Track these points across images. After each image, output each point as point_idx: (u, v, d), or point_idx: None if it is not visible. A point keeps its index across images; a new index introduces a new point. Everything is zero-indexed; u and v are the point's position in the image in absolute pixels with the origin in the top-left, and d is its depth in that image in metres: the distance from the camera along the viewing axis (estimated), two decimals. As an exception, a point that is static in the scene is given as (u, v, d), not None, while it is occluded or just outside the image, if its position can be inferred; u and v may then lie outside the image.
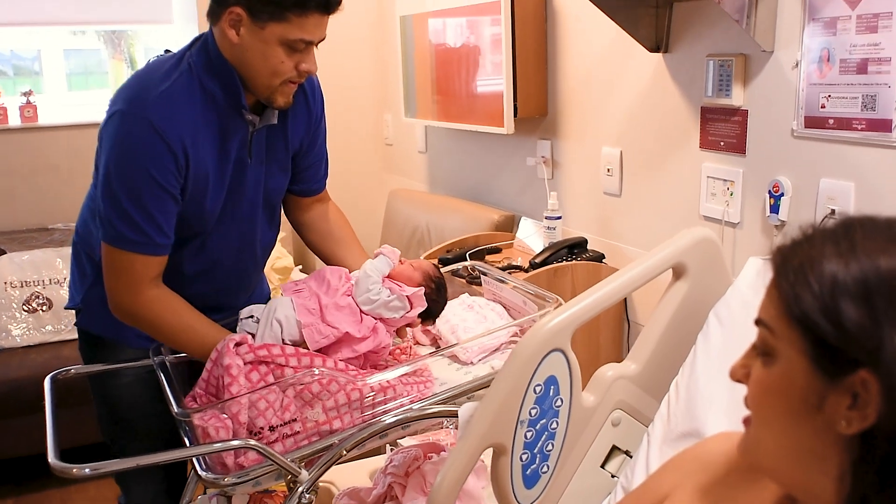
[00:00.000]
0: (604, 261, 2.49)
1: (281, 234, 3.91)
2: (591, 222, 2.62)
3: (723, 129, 2.08)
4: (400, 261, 1.73)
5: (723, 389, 1.20)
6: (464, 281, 2.44)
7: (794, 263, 0.79)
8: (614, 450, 1.32)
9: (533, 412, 1.20)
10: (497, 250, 2.77)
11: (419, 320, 1.70)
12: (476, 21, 2.84)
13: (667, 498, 0.97)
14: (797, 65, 1.85)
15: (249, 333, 1.59)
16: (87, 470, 1.36)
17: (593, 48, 2.50)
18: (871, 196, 1.73)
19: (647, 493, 1.02)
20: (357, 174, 4.02)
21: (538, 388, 1.19)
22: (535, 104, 2.74)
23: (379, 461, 2.05)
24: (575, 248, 2.52)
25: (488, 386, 1.62)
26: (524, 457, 1.21)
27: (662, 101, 2.26)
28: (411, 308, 1.65)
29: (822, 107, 1.80)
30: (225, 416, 1.49)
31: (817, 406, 0.76)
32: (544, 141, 2.79)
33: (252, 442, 1.44)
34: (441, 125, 3.23)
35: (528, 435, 1.20)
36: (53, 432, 1.46)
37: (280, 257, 3.60)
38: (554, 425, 1.23)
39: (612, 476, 1.31)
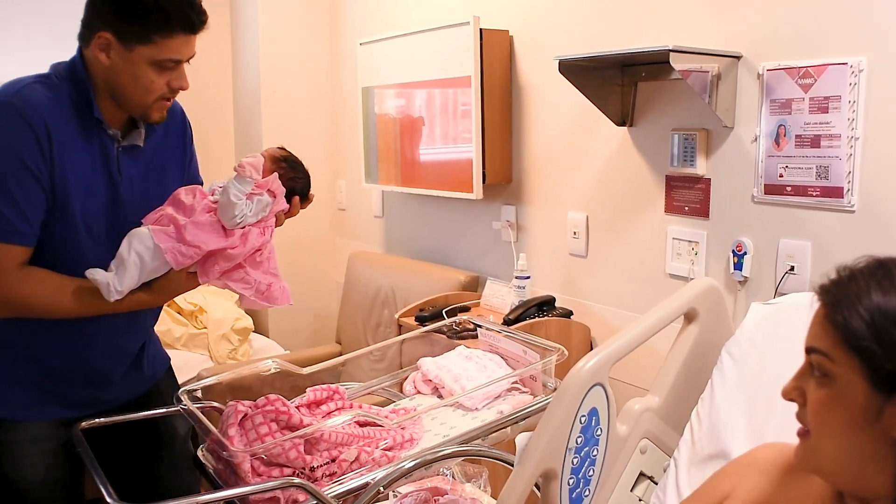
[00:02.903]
0: (572, 317, 2.67)
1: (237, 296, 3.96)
2: (557, 281, 2.81)
3: (687, 195, 2.31)
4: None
5: (741, 415, 1.38)
6: (444, 337, 2.59)
7: (843, 300, 0.96)
8: (641, 476, 1.47)
9: (578, 440, 1.34)
10: (466, 309, 2.92)
11: (290, 203, 1.77)
12: (444, 93, 3.04)
13: (727, 498, 1.13)
14: (756, 139, 2.10)
15: (105, 282, 1.60)
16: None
17: (559, 120, 2.73)
18: (827, 254, 1.98)
19: (706, 496, 1.18)
20: (310, 239, 4.13)
21: (583, 419, 1.34)
22: (501, 171, 2.94)
23: (380, 508, 2.14)
24: (544, 306, 2.70)
25: (506, 427, 1.79)
26: (571, 481, 1.35)
27: (628, 170, 2.49)
28: (274, 197, 1.71)
29: (781, 176, 2.05)
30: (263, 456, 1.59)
31: (875, 418, 0.93)
32: (509, 206, 2.98)
33: (297, 480, 1.53)
34: (404, 190, 3.39)
35: (575, 461, 1.35)
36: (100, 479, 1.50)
37: (239, 318, 3.66)
38: (595, 452, 1.38)
39: (640, 500, 1.46)
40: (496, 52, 2.86)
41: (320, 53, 4.06)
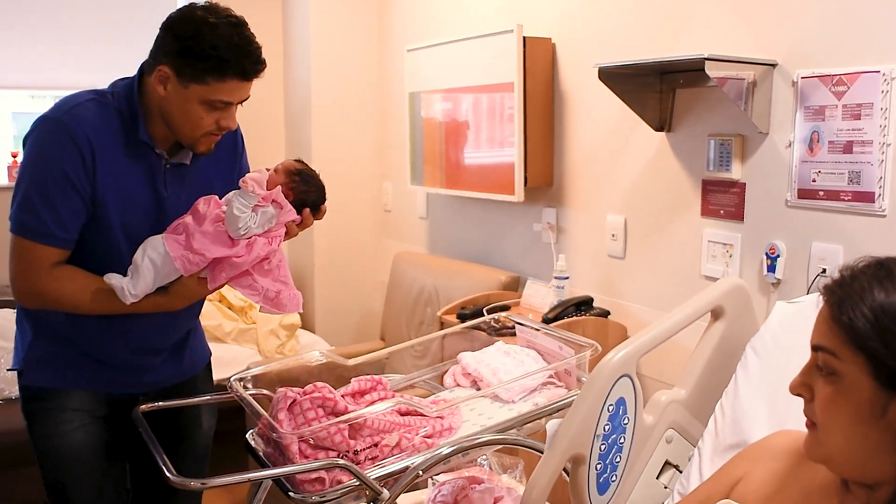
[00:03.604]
0: (609, 317, 2.74)
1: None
2: (595, 282, 2.88)
3: (722, 199, 2.37)
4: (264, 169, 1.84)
5: (763, 408, 1.45)
6: (484, 333, 2.67)
7: (847, 300, 1.02)
8: (667, 464, 1.55)
9: (606, 428, 1.42)
10: (507, 308, 3.00)
11: (300, 215, 1.82)
12: (488, 98, 3.13)
13: (741, 480, 1.20)
14: (790, 145, 2.16)
15: (122, 286, 1.71)
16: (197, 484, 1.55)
17: (599, 125, 2.80)
18: (858, 257, 2.02)
19: (723, 478, 1.26)
20: (356, 239, 4.25)
21: (611, 408, 1.42)
22: (542, 175, 3.02)
23: (418, 495, 2.23)
24: (582, 306, 2.77)
25: (540, 418, 1.87)
26: (598, 466, 1.43)
27: (665, 175, 2.56)
28: (281, 208, 1.78)
29: (813, 181, 2.10)
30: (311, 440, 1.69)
31: (881, 413, 0.99)
32: (549, 208, 3.06)
33: (341, 461, 1.63)
34: (448, 192, 3.49)
35: (602, 448, 1.43)
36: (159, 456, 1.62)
37: (286, 314, 3.79)
38: (622, 440, 1.45)
39: (665, 487, 1.53)
40: (539, 59, 2.94)
41: (369, 60, 4.19)
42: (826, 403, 1.04)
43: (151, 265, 1.72)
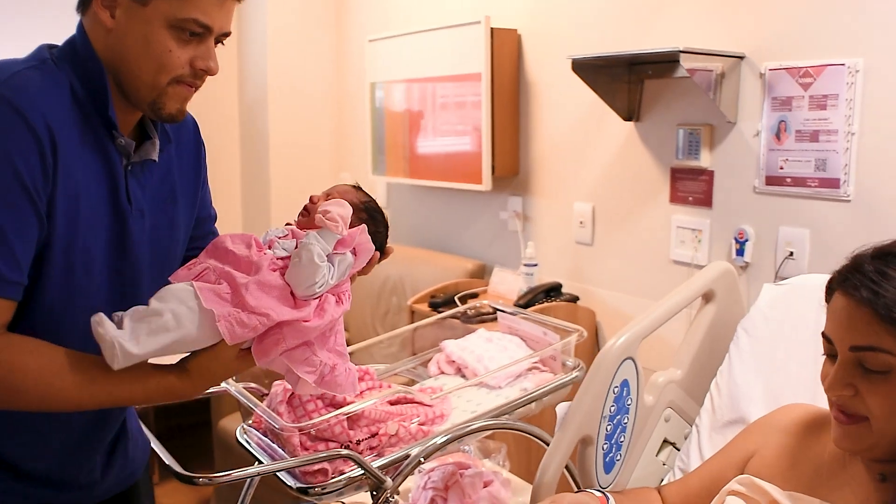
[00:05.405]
0: (578, 302, 2.81)
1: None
2: (563, 269, 2.95)
3: (691, 186, 2.46)
4: (311, 200, 1.38)
5: (758, 385, 1.53)
6: (459, 322, 2.71)
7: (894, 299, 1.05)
8: (665, 442, 1.61)
9: (612, 409, 1.48)
10: (475, 295, 3.05)
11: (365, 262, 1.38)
12: (454, 88, 3.16)
13: (753, 455, 1.27)
14: (758, 133, 2.25)
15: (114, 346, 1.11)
16: (204, 480, 1.55)
17: (566, 115, 2.86)
18: (824, 241, 2.13)
19: (733, 453, 1.32)
20: (314, 229, 4.23)
21: (616, 390, 1.47)
22: (509, 164, 3.07)
23: (405, 483, 2.26)
24: (551, 292, 2.83)
25: (531, 402, 1.92)
26: (605, 447, 1.48)
27: (634, 163, 2.63)
28: (356, 258, 1.31)
29: (781, 168, 2.20)
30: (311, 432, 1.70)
31: None
32: (515, 197, 3.12)
33: (345, 452, 1.65)
34: (412, 182, 3.52)
35: (608, 428, 1.48)
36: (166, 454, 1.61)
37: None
38: (625, 420, 1.51)
39: (663, 465, 1.60)
40: (505, 50, 2.98)
41: (327, 49, 4.17)
42: (883, 399, 1.07)
43: (174, 321, 1.13)
